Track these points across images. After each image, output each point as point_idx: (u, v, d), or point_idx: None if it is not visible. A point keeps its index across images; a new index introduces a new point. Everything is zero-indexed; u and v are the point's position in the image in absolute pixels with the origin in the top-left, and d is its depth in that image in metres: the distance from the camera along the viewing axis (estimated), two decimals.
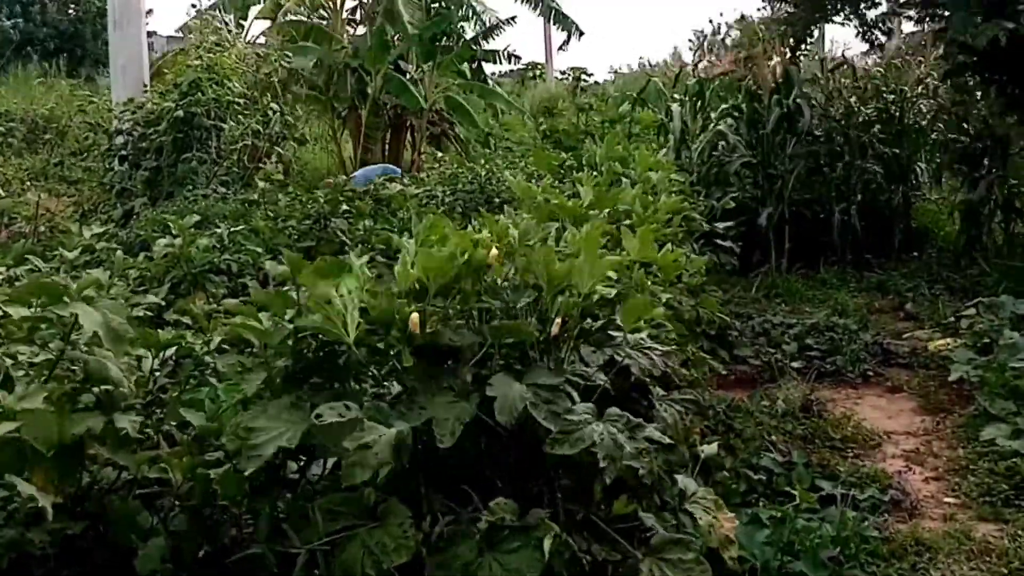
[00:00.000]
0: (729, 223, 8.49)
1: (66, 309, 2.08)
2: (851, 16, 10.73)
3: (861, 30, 10.80)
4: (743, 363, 7.05)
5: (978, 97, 10.88)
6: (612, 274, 2.78)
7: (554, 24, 17.79)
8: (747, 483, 4.72)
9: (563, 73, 27.25)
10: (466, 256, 2.38)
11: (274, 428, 2.05)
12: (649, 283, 3.24)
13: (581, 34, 17.47)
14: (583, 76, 23.88)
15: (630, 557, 2.31)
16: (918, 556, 4.14)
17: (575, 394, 2.40)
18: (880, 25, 10.95)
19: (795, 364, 7.07)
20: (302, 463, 2.33)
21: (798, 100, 10.73)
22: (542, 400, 2.31)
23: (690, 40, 38.74)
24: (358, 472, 2.02)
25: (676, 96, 12.27)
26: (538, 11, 17.10)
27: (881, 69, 11.89)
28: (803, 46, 11.03)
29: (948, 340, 7.47)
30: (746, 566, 3.64)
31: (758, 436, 5.35)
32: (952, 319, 8.05)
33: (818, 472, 5.04)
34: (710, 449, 3.33)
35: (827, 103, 11.26)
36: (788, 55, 10.95)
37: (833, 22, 11.16)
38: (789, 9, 11.09)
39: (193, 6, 11.13)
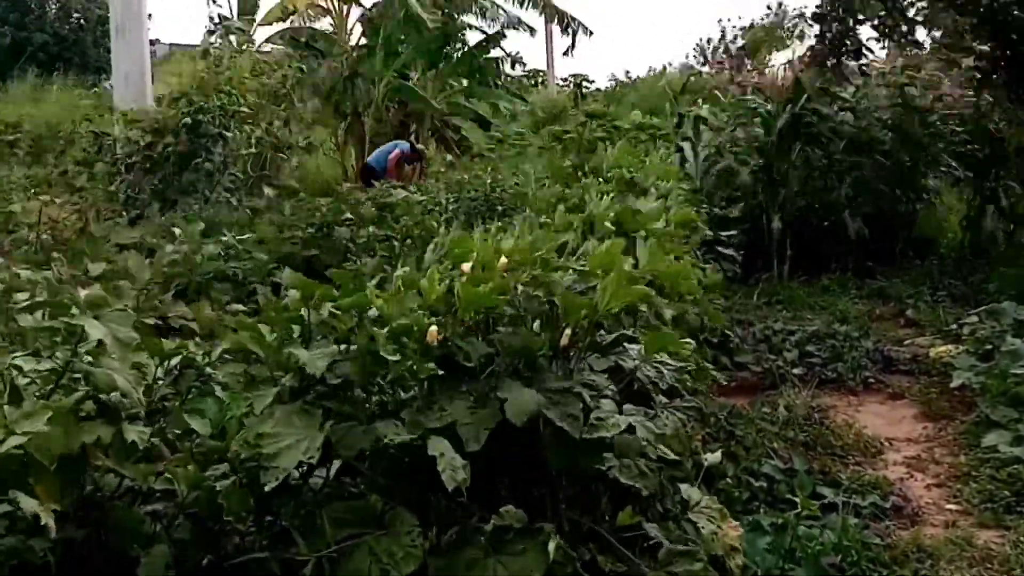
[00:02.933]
0: (732, 231, 8.51)
1: (73, 321, 2.10)
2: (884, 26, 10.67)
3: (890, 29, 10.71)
4: (744, 370, 7.06)
5: (985, 104, 10.89)
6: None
7: (559, 26, 17.86)
8: (749, 490, 4.73)
9: (564, 80, 27.31)
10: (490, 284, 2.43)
11: (287, 435, 2.07)
12: (654, 294, 3.26)
13: (590, 33, 17.52)
14: (585, 83, 23.91)
15: (635, 567, 2.34)
16: (920, 563, 4.15)
17: (587, 395, 2.43)
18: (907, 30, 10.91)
19: (796, 371, 7.07)
20: (304, 469, 2.35)
21: (806, 108, 10.72)
22: (553, 403, 2.34)
23: (694, 48, 38.95)
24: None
25: (679, 100, 12.29)
26: (540, 11, 17.14)
27: (893, 77, 11.86)
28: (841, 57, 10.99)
29: (950, 347, 7.47)
30: (748, 573, 3.65)
31: (760, 443, 5.36)
32: (954, 326, 8.05)
33: (820, 479, 5.04)
34: (713, 458, 3.35)
35: (837, 111, 11.23)
36: (804, 64, 10.92)
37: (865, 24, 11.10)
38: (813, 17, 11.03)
39: (210, 19, 11.22)
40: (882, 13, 10.33)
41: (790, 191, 10.68)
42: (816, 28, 10.48)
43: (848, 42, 10.43)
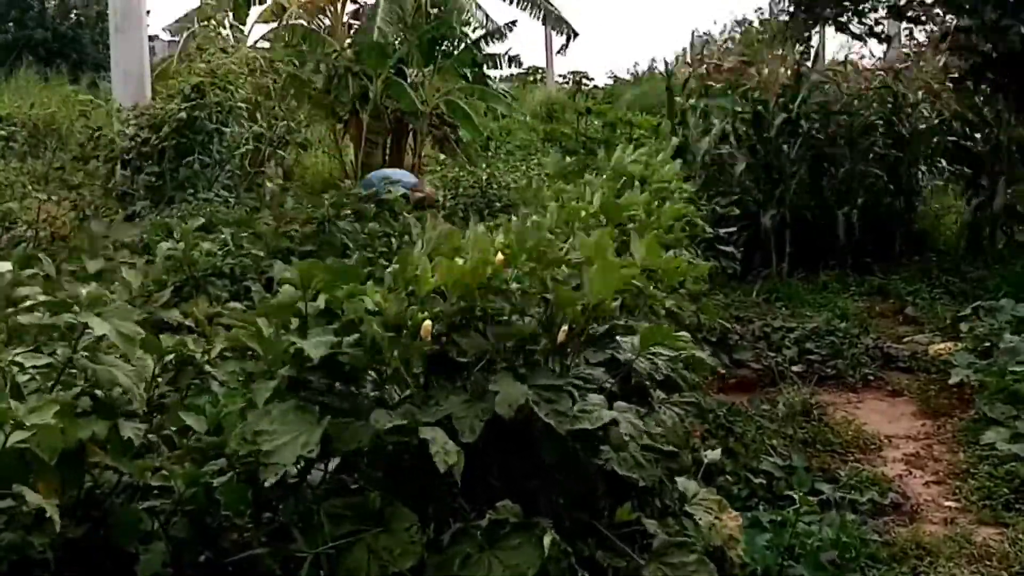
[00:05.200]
0: (731, 228, 8.50)
1: (76, 318, 2.10)
2: (847, 21, 10.73)
3: (862, 31, 10.81)
4: (743, 367, 7.06)
5: (980, 101, 10.91)
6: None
7: (550, 28, 17.87)
8: (748, 487, 4.73)
9: (563, 77, 27.28)
10: (485, 269, 2.43)
11: (284, 432, 2.07)
12: (652, 287, 3.25)
13: (576, 35, 17.56)
14: (584, 80, 23.88)
15: (633, 562, 2.33)
16: (918, 560, 4.15)
17: (576, 393, 2.42)
18: (879, 29, 10.97)
19: (795, 368, 7.08)
20: (301, 466, 2.34)
21: (803, 105, 10.72)
22: (544, 399, 2.33)
23: (691, 44, 38.88)
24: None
25: (678, 99, 12.28)
26: (534, 14, 17.14)
27: (883, 72, 11.88)
28: (804, 49, 11.03)
29: (948, 344, 7.48)
30: (747, 570, 3.65)
31: (759, 440, 5.36)
32: (952, 323, 8.07)
33: (818, 476, 5.05)
34: (713, 455, 3.35)
35: (830, 107, 11.23)
36: (795, 60, 10.95)
37: (836, 24, 11.15)
38: (788, 11, 11.09)
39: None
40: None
41: (787, 188, 10.67)
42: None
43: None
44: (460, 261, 2.46)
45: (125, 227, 6.37)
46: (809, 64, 11.44)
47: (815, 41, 12.01)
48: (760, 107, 10.95)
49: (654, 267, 3.10)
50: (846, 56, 12.90)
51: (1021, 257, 10.20)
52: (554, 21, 17.40)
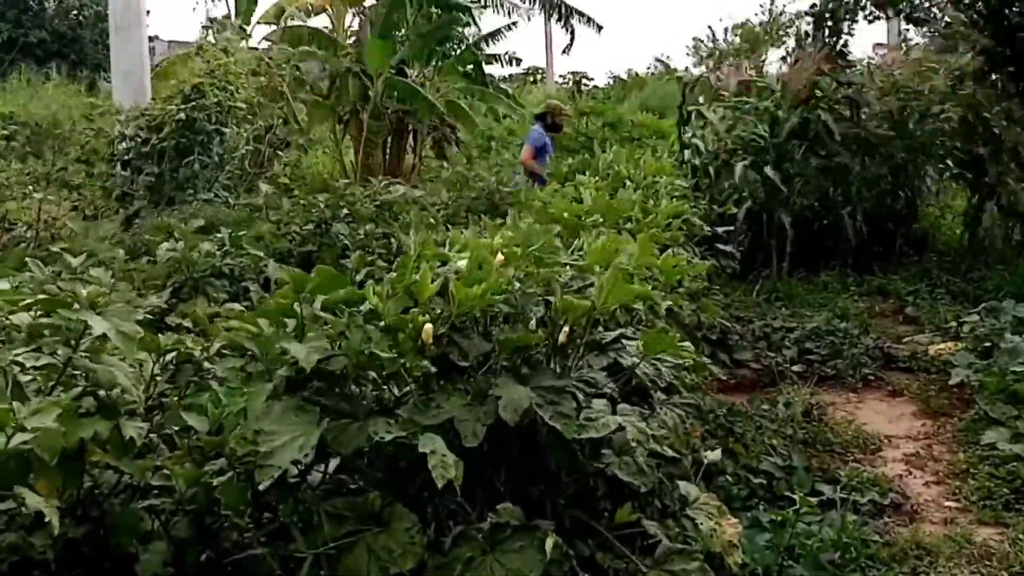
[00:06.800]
0: (730, 227, 8.50)
1: (75, 315, 2.10)
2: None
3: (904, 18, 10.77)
4: (743, 367, 7.06)
5: (983, 100, 10.90)
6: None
7: (562, 24, 17.82)
8: (748, 487, 4.73)
9: (563, 77, 27.29)
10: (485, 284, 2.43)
11: (283, 432, 2.06)
12: (649, 288, 3.25)
13: (599, 28, 17.43)
14: (584, 80, 23.89)
15: (632, 564, 2.33)
16: (918, 560, 4.15)
17: (581, 396, 2.42)
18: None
19: (796, 368, 7.08)
20: (302, 467, 2.34)
21: (819, 111, 10.66)
22: (547, 401, 2.33)
23: (691, 45, 38.91)
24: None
25: (680, 98, 12.26)
26: (546, 8, 17.08)
27: (896, 73, 11.82)
28: (832, 49, 10.97)
29: (949, 344, 7.47)
30: (746, 570, 3.65)
31: (759, 440, 5.35)
32: (953, 323, 8.06)
33: (819, 476, 5.04)
34: (713, 455, 3.35)
35: (841, 109, 11.16)
36: (822, 66, 10.89)
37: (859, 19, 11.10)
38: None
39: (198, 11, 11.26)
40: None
41: (792, 189, 10.65)
42: (812, 26, 10.50)
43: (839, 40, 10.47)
44: (462, 263, 2.47)
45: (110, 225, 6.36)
46: (838, 63, 11.28)
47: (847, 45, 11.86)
48: (775, 108, 10.88)
49: (650, 266, 3.10)
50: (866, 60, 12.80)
51: (1022, 257, 10.19)
52: (577, 16, 17.30)
